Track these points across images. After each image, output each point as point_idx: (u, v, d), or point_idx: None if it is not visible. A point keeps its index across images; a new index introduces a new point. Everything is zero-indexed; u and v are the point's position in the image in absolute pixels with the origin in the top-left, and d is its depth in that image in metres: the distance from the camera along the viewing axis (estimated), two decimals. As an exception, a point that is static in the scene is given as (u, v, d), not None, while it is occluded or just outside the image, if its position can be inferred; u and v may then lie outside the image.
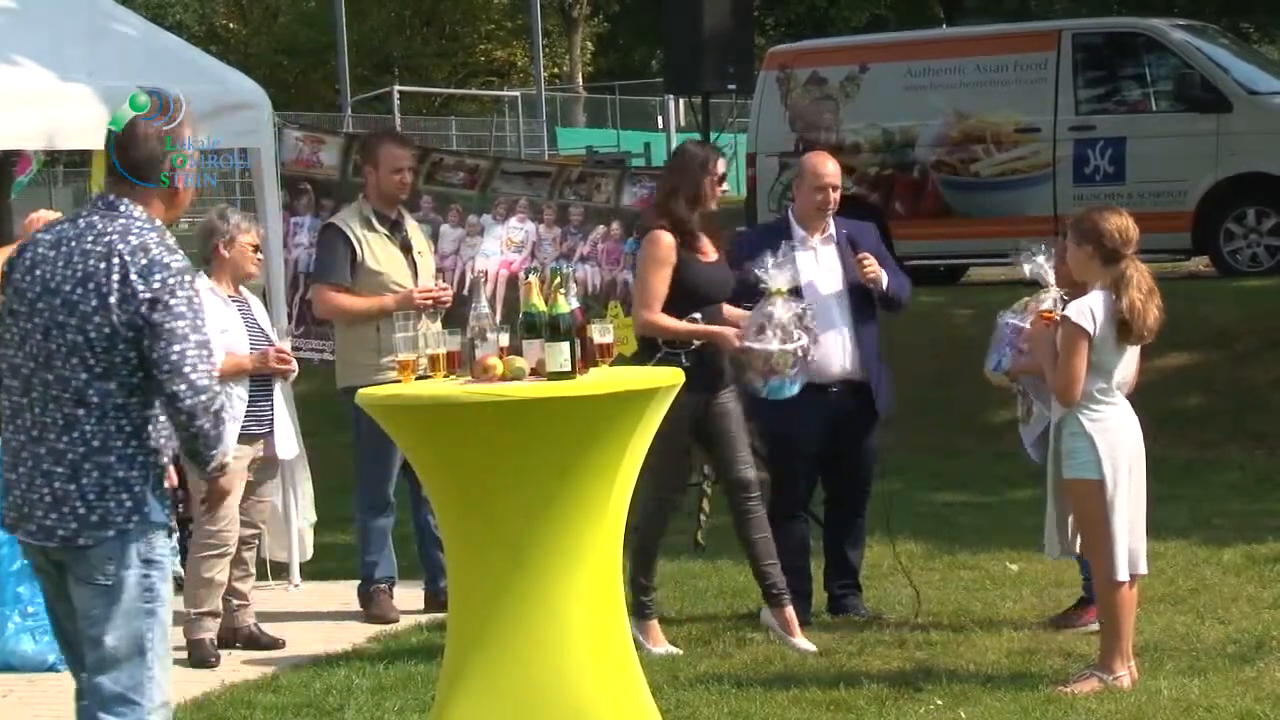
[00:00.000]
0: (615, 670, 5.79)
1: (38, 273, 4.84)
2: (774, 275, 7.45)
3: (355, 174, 9.44)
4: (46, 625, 6.35)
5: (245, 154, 9.44)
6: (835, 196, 8.03)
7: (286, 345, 8.49)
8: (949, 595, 8.44)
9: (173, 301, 4.72)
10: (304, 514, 9.37)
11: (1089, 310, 6.70)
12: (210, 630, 7.77)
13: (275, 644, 7.97)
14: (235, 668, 7.63)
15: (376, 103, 35.90)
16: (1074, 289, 7.12)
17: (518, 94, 37.05)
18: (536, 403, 5.56)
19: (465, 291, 9.38)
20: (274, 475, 8.33)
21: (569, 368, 5.67)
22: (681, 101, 32.21)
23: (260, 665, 7.66)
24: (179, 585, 8.00)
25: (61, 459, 4.78)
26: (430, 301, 8.27)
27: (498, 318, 6.59)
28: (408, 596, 8.56)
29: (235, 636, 7.94)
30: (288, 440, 8.13)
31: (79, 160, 19.92)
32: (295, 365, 8.13)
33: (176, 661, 7.25)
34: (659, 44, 25.99)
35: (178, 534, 8.52)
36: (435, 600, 8.33)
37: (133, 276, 4.72)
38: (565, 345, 5.68)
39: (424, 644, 7.76)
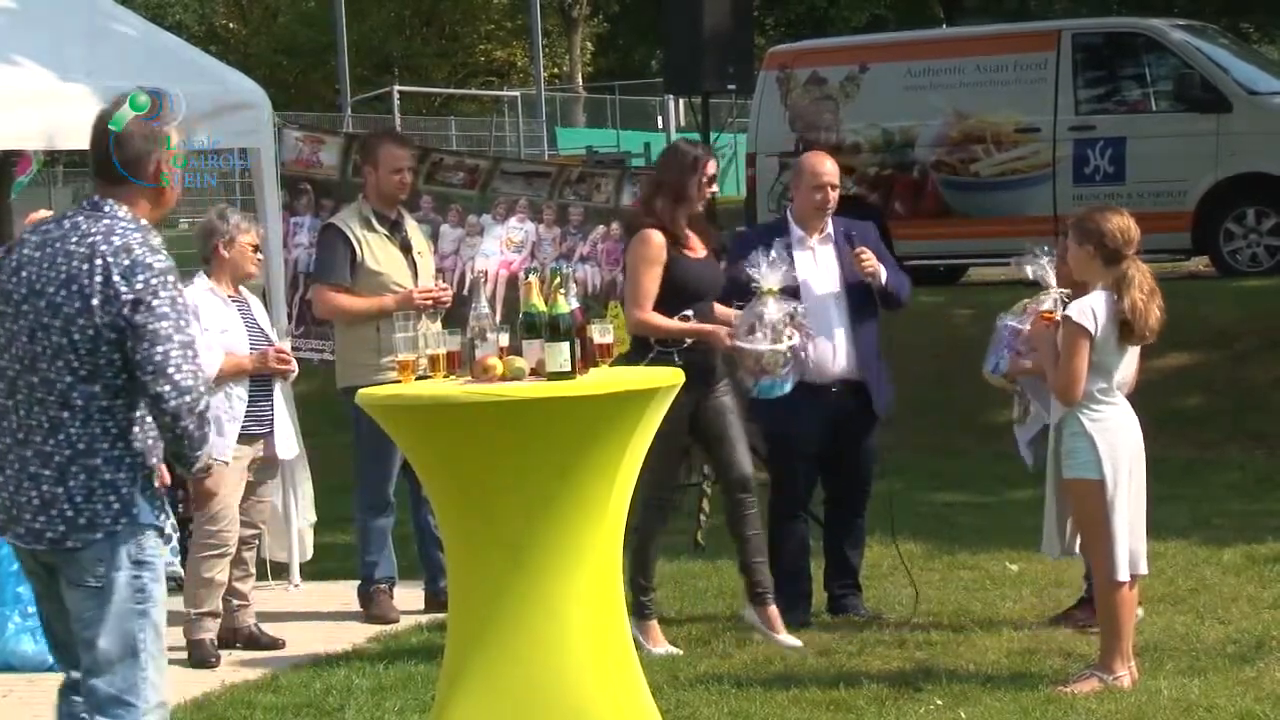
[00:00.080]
0: (615, 670, 5.78)
1: (23, 274, 4.82)
2: (766, 274, 7.45)
3: (355, 174, 9.44)
4: (46, 626, 6.35)
5: (245, 154, 9.44)
6: (834, 196, 8.03)
7: (286, 345, 8.49)
8: (949, 595, 8.44)
9: (155, 302, 4.70)
10: (304, 514, 9.37)
11: (1091, 310, 6.70)
12: (210, 630, 7.77)
13: (275, 644, 7.97)
14: (235, 668, 7.63)
15: (376, 103, 35.89)
16: (1075, 289, 7.12)
17: (518, 94, 37.02)
18: (536, 403, 5.56)
19: (465, 291, 9.38)
20: (274, 475, 8.33)
21: (569, 368, 5.67)
22: (681, 101, 32.20)
23: (260, 665, 7.66)
24: (179, 585, 8.02)
25: (48, 461, 4.77)
26: (430, 302, 8.28)
27: (498, 318, 6.60)
28: (408, 596, 8.56)
29: (235, 636, 7.93)
30: (288, 440, 8.14)
31: (79, 160, 19.90)
32: (295, 365, 8.13)
33: (177, 662, 7.28)
34: (659, 44, 25.98)
35: (178, 534, 8.56)
36: (435, 600, 8.32)
37: (115, 278, 4.70)
38: (565, 345, 5.68)
39: (424, 644, 7.76)
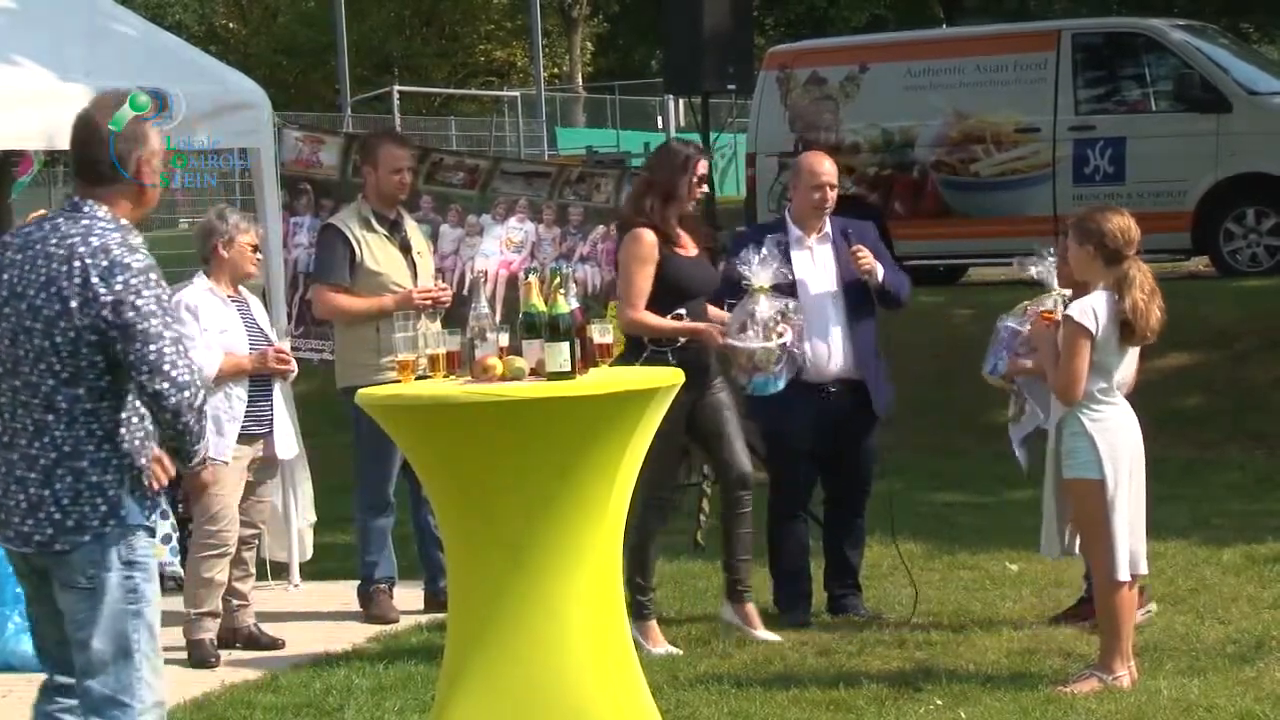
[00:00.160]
0: (615, 670, 5.78)
1: (4, 277, 4.82)
2: (757, 272, 7.47)
3: (355, 174, 9.43)
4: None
5: (245, 154, 9.44)
6: (832, 195, 8.03)
7: (286, 345, 8.49)
8: (949, 595, 8.44)
9: (140, 301, 4.68)
10: (304, 514, 9.37)
11: (1091, 310, 6.70)
12: (210, 630, 7.77)
13: (275, 644, 7.96)
14: (235, 668, 7.62)
15: (376, 103, 35.88)
16: (1075, 289, 7.12)
17: (517, 94, 37.01)
18: (536, 403, 5.56)
19: (465, 291, 9.38)
20: (274, 475, 8.33)
21: (569, 368, 5.67)
22: (681, 101, 32.17)
23: (260, 665, 7.66)
24: (179, 585, 8.02)
25: (34, 465, 4.76)
26: (429, 302, 8.28)
27: (497, 318, 6.59)
28: (408, 596, 8.56)
29: (235, 636, 7.93)
30: (287, 440, 8.14)
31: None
32: (295, 365, 8.13)
33: (176, 662, 7.29)
34: (659, 44, 25.97)
35: (178, 534, 8.56)
36: (435, 600, 8.32)
37: (93, 279, 4.68)
38: (565, 345, 5.68)
39: (424, 644, 7.76)
